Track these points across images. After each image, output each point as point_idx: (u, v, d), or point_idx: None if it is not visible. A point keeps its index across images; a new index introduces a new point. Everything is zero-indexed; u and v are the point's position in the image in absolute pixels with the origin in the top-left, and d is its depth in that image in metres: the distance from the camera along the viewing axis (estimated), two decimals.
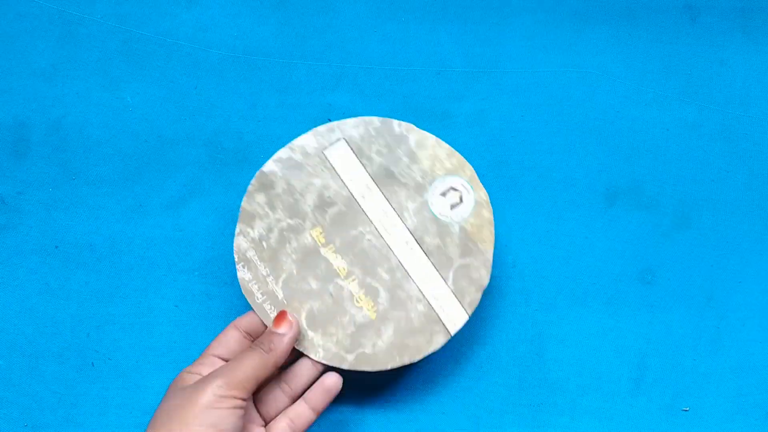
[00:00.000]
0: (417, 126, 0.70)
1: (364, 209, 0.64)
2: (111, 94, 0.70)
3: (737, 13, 0.71)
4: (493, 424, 0.67)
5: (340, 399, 0.66)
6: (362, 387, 0.67)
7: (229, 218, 0.69)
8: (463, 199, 0.64)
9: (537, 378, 0.67)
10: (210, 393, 0.57)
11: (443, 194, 0.64)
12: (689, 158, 0.70)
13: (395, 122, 0.65)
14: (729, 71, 0.71)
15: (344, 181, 0.65)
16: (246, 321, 0.63)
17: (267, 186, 0.64)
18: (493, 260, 0.69)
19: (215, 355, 0.61)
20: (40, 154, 0.69)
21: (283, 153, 0.65)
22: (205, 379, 0.58)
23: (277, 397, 0.62)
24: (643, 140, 0.70)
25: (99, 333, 0.68)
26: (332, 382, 0.62)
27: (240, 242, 0.64)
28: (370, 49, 0.71)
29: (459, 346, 0.68)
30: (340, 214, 0.64)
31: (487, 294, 0.68)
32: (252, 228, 0.64)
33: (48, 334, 0.67)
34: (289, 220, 0.64)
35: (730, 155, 0.70)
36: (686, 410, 0.67)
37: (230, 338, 0.62)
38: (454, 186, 0.64)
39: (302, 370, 0.63)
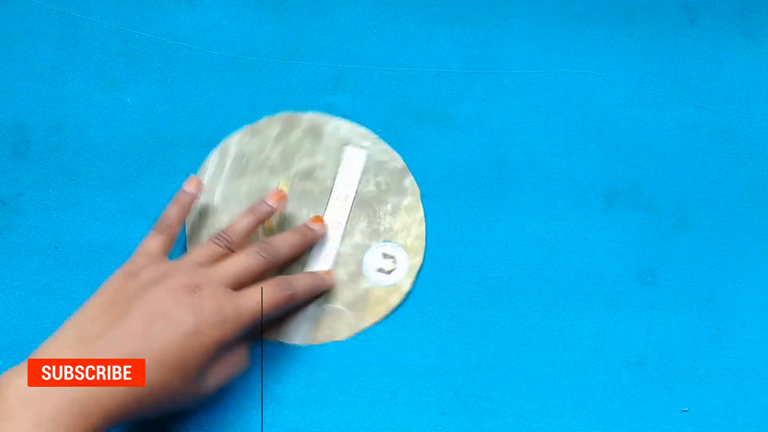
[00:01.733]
0: (416, 126, 0.70)
1: (329, 201, 0.69)
2: (111, 95, 0.70)
3: (737, 15, 0.72)
4: (493, 424, 0.67)
5: (338, 400, 0.66)
6: (361, 387, 0.67)
7: None
8: (397, 263, 0.68)
9: (537, 378, 0.67)
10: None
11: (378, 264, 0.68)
12: (689, 159, 0.70)
13: (410, 177, 0.69)
14: (728, 72, 0.71)
15: (338, 174, 0.69)
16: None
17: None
18: (493, 261, 0.69)
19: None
20: (40, 155, 0.69)
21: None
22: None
23: None
24: (642, 141, 0.70)
25: None
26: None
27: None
28: (370, 50, 0.71)
29: (459, 345, 0.68)
30: (306, 192, 0.69)
31: (488, 294, 0.68)
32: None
33: (48, 334, 0.67)
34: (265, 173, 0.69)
35: (730, 156, 0.70)
36: (686, 411, 0.67)
37: None
38: (386, 252, 0.68)
39: None
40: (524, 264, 0.69)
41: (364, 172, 0.69)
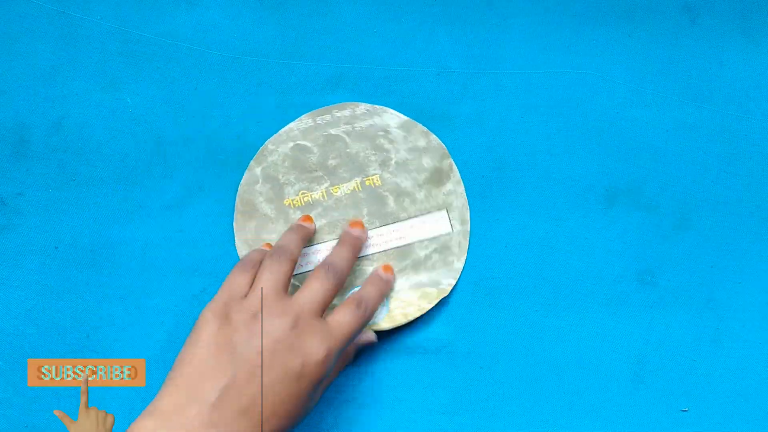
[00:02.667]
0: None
1: (387, 225, 0.69)
2: (111, 95, 0.70)
3: (737, 15, 0.71)
4: (493, 424, 0.67)
5: (337, 399, 0.66)
6: (360, 387, 0.67)
7: (229, 219, 0.69)
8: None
9: (536, 378, 0.67)
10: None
11: None
12: (689, 159, 0.70)
13: (452, 281, 0.68)
14: (729, 72, 0.71)
15: (416, 218, 0.69)
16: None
17: None
18: (493, 261, 0.69)
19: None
20: (40, 155, 0.69)
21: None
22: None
23: None
24: (642, 141, 0.70)
25: (99, 334, 0.68)
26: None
27: None
28: (370, 49, 0.71)
29: (458, 345, 0.68)
30: (382, 199, 0.70)
31: (488, 294, 0.68)
32: None
33: (48, 334, 0.67)
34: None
35: (730, 156, 0.70)
36: (685, 411, 0.67)
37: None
38: None
39: None
40: (524, 264, 0.69)
41: (433, 240, 0.69)
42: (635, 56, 0.71)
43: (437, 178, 0.69)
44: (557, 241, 0.69)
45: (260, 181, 0.69)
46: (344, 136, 0.69)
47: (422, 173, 0.69)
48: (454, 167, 0.69)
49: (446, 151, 0.69)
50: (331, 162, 0.69)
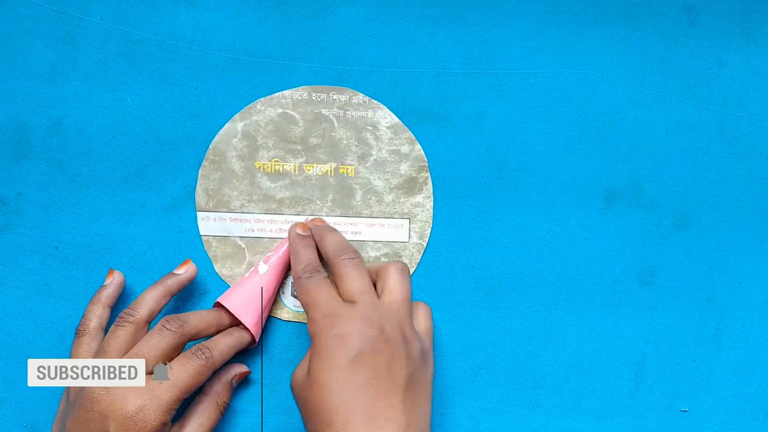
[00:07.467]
0: (416, 126, 0.70)
1: (348, 219, 0.69)
2: (111, 95, 0.70)
3: (736, 15, 0.71)
4: (493, 424, 0.67)
5: None
6: None
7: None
8: None
9: (537, 378, 0.67)
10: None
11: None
12: (689, 159, 0.70)
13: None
14: (728, 72, 0.71)
15: (377, 220, 0.70)
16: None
17: None
18: (493, 261, 0.69)
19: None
20: (40, 155, 0.69)
21: None
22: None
23: None
24: (642, 141, 0.70)
25: None
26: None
27: None
28: (369, 50, 0.71)
29: (458, 345, 0.68)
30: (350, 191, 0.70)
31: (488, 294, 0.68)
32: None
33: (48, 334, 0.67)
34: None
35: (730, 156, 0.70)
36: (685, 411, 0.67)
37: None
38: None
39: None
40: (524, 264, 0.69)
41: (387, 245, 0.69)
42: (635, 56, 0.71)
43: (410, 186, 0.69)
44: (557, 241, 0.69)
45: (239, 136, 0.69)
46: (333, 119, 0.70)
47: (397, 178, 0.69)
48: (429, 182, 0.69)
49: (426, 165, 0.70)
50: (313, 140, 0.69)
